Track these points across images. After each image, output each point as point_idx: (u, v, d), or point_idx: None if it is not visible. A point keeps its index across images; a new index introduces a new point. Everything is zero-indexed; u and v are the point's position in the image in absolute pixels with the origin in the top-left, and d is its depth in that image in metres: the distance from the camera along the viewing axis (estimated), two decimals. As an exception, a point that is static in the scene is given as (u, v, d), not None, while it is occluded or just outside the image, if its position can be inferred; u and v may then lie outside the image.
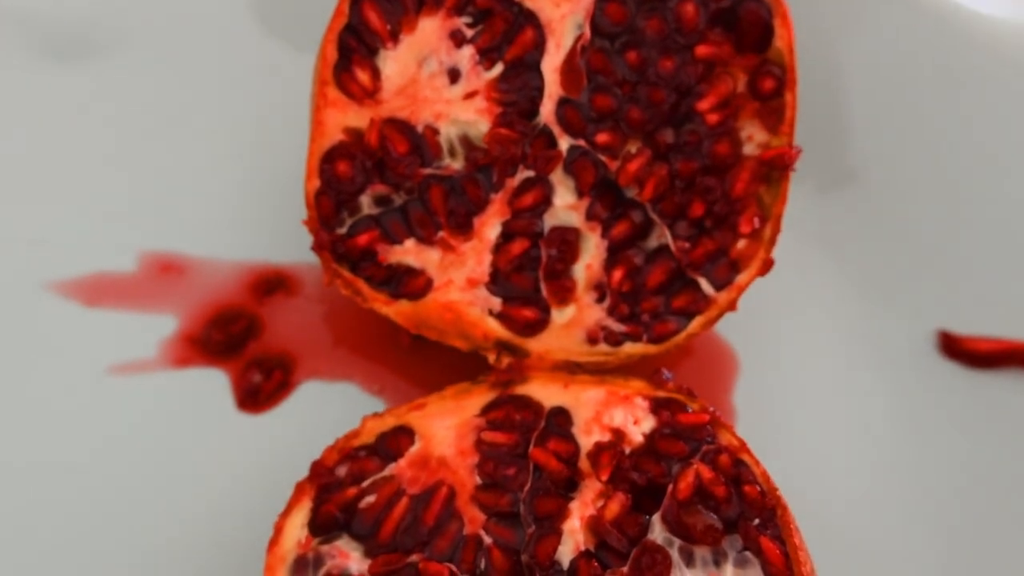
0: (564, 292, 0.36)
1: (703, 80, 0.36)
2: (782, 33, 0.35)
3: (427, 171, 0.37)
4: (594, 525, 0.32)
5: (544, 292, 0.36)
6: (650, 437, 0.33)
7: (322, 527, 0.33)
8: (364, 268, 0.37)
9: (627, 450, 0.33)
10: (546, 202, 0.36)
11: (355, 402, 0.42)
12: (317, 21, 0.39)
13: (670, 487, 0.32)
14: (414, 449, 0.35)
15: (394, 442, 0.35)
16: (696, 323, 0.36)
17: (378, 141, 0.36)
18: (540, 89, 0.37)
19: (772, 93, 0.36)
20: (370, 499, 0.34)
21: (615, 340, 0.36)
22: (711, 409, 0.34)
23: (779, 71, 0.35)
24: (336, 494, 0.34)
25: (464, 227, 0.37)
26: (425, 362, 0.42)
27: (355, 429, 0.35)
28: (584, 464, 0.34)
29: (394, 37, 0.36)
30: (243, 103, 0.48)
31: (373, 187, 0.37)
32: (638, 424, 0.34)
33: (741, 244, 0.36)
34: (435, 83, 0.37)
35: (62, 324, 0.43)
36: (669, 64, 0.36)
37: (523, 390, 0.35)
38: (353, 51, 0.36)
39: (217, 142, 0.47)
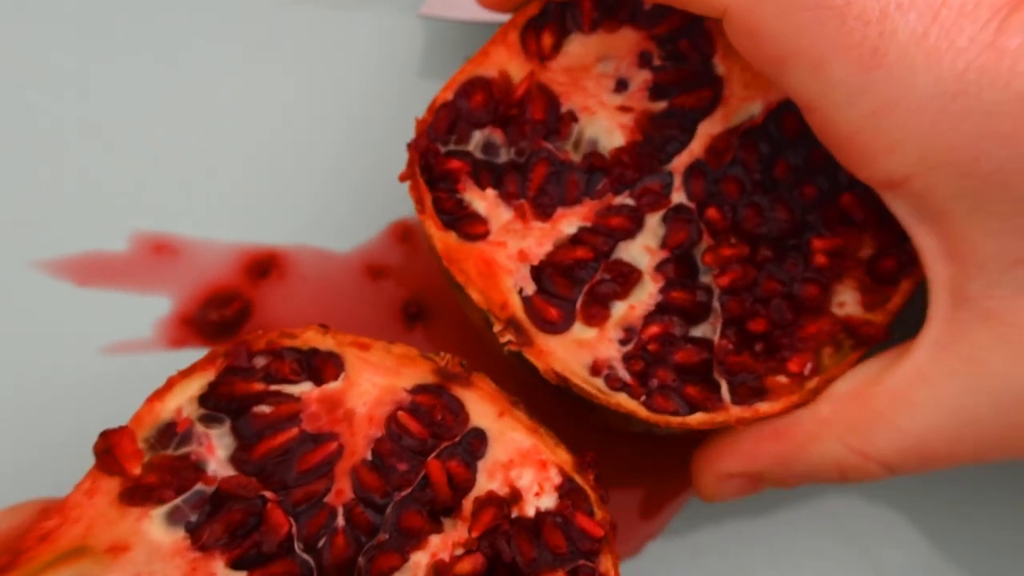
0: (596, 316, 0.35)
1: (832, 223, 0.35)
2: None
3: (546, 145, 0.36)
4: (440, 571, 0.31)
5: (578, 305, 0.35)
6: (541, 516, 0.31)
7: (212, 404, 0.32)
8: (439, 187, 0.36)
9: (513, 515, 0.31)
10: (629, 234, 0.36)
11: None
12: None
13: None
14: (334, 385, 0.33)
15: (322, 364, 0.33)
16: (696, 418, 0.34)
17: (523, 96, 0.36)
18: (686, 142, 0.37)
19: (889, 275, 0.35)
20: (265, 408, 0.32)
21: (614, 384, 0.34)
22: (612, 526, 0.32)
23: (907, 258, 0.34)
24: (241, 381, 0.32)
25: (546, 208, 0.36)
26: (420, 344, 0.43)
27: (293, 329, 0.34)
28: (467, 505, 0.32)
29: (594, 27, 0.37)
30: (235, 81, 0.48)
31: (492, 129, 0.36)
32: (539, 496, 0.32)
33: (781, 379, 0.34)
34: (602, 82, 0.37)
35: (54, 304, 0.43)
36: (811, 192, 0.35)
37: (461, 394, 0.33)
38: (553, 18, 0.37)
39: (210, 122, 0.47)
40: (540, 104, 0.37)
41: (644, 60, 0.37)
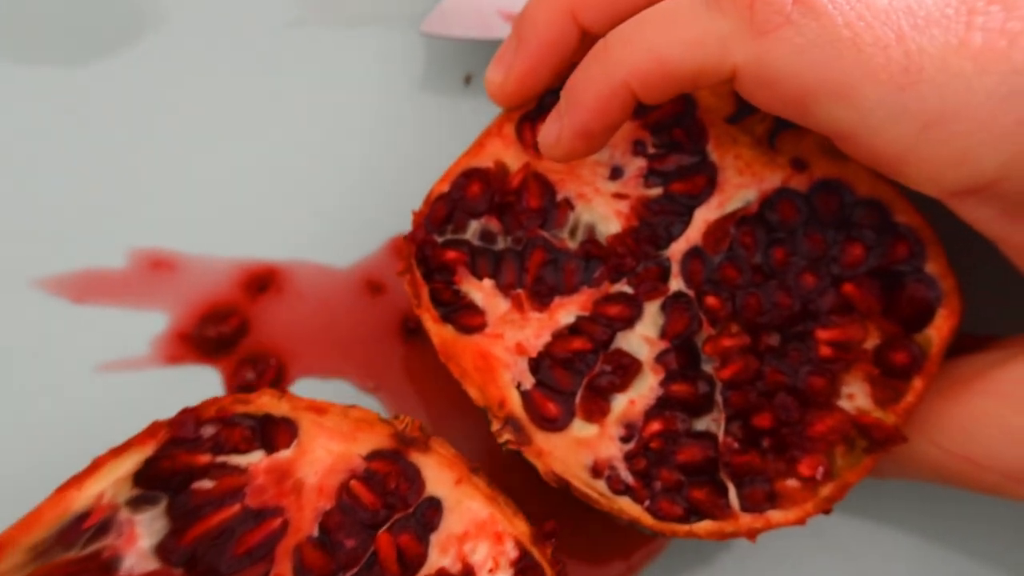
0: (595, 411, 0.34)
1: (835, 312, 0.34)
2: (941, 324, 0.33)
3: (542, 233, 0.36)
4: None
5: (577, 399, 0.34)
6: None
7: (148, 482, 0.30)
8: (435, 280, 0.36)
9: None
10: (628, 323, 0.35)
11: (348, 399, 0.41)
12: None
13: None
14: (285, 453, 0.31)
15: (275, 431, 0.32)
16: (704, 527, 0.32)
17: (519, 185, 0.36)
18: (682, 229, 0.36)
19: (901, 370, 0.33)
20: (207, 483, 0.30)
21: (617, 487, 0.33)
22: None
23: (919, 353, 0.33)
24: (185, 453, 0.30)
25: (543, 298, 0.35)
26: (420, 359, 0.42)
27: (247, 395, 0.32)
28: None
29: None
30: (234, 97, 0.48)
31: (488, 219, 0.36)
32: (493, 573, 0.30)
33: (791, 483, 0.33)
34: (596, 169, 0.37)
35: (50, 321, 0.42)
36: (810, 280, 0.34)
37: (418, 460, 0.32)
38: (548, 110, 0.37)
39: (207, 137, 0.47)
40: (536, 192, 0.36)
41: (638, 148, 0.37)
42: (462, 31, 0.47)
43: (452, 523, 0.31)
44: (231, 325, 0.42)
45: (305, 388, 0.42)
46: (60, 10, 0.49)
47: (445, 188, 0.36)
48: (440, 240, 0.36)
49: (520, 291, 0.36)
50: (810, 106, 0.30)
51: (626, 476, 0.33)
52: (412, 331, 0.43)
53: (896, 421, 0.33)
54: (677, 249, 0.36)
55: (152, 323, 0.43)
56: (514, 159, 0.37)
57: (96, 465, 0.30)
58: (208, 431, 0.31)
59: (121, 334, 0.42)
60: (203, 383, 0.42)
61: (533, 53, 0.35)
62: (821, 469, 0.33)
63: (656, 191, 0.37)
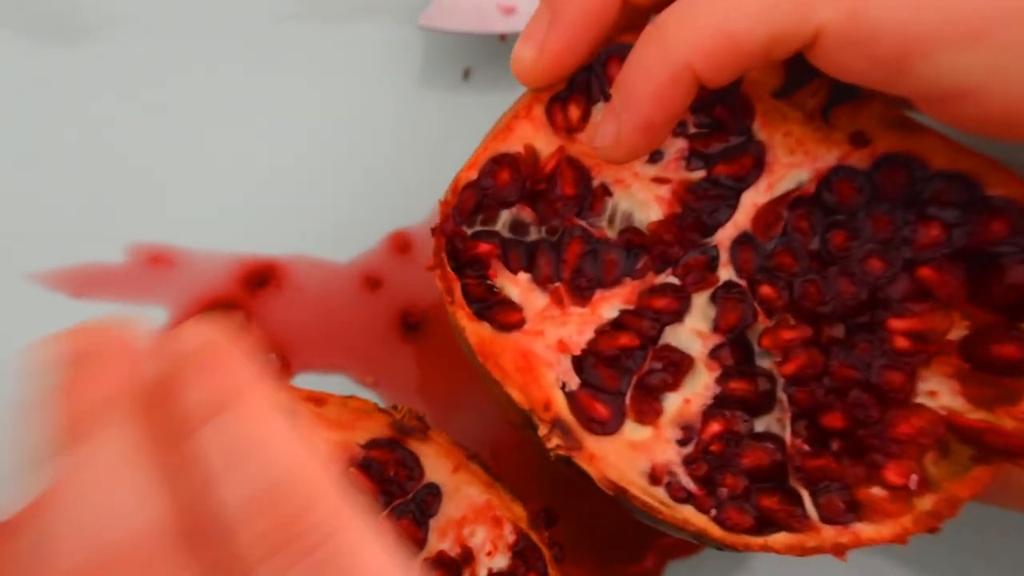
0: (648, 411, 0.31)
1: (910, 299, 0.31)
2: None
3: (579, 222, 0.33)
4: None
5: (627, 399, 0.32)
6: None
7: None
8: (467, 274, 0.33)
9: None
10: (677, 316, 0.32)
11: (349, 394, 0.41)
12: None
13: None
14: None
15: None
16: (781, 540, 0.29)
17: (552, 171, 0.33)
18: (729, 214, 0.33)
19: (1008, 365, 0.29)
20: None
21: (678, 495, 0.30)
22: None
23: None
24: None
25: (583, 292, 0.33)
26: (419, 354, 0.42)
27: None
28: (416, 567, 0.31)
29: None
30: (233, 92, 0.48)
31: (521, 207, 0.33)
32: (491, 556, 0.30)
33: (877, 492, 0.29)
34: None
35: (50, 316, 0.42)
36: (878, 265, 0.31)
37: (416, 448, 0.32)
38: (580, 90, 0.34)
39: (207, 133, 0.47)
40: (570, 178, 0.34)
41: (678, 128, 0.34)
42: (461, 25, 0.47)
43: (450, 508, 0.31)
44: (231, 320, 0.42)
45: (304, 383, 0.42)
46: (61, 3, 0.49)
47: (473, 175, 0.33)
48: (470, 232, 0.33)
49: (558, 284, 0.33)
50: (915, 63, 0.26)
51: (687, 482, 0.30)
52: (411, 326, 0.43)
53: (1018, 427, 0.28)
54: (725, 236, 0.33)
55: (151, 318, 0.43)
56: (545, 143, 0.34)
57: None
58: None
59: (120, 329, 0.42)
60: (203, 378, 0.42)
61: (570, 26, 0.31)
62: (915, 477, 0.29)
63: (699, 174, 0.34)
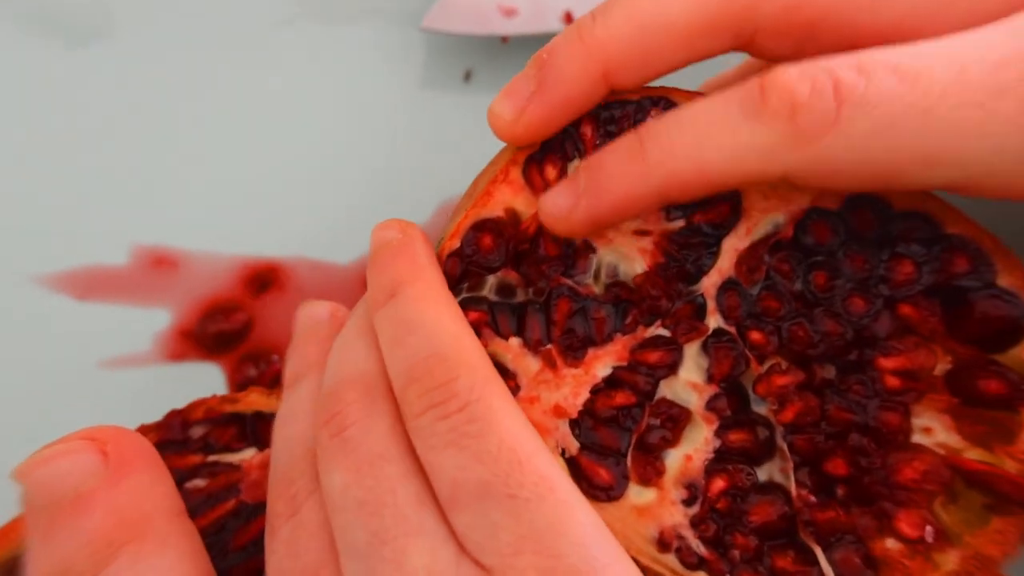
0: (650, 472, 0.31)
1: (893, 336, 0.31)
2: None
3: (566, 281, 0.33)
4: None
5: (629, 461, 0.31)
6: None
7: None
8: None
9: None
10: (670, 369, 0.32)
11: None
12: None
13: None
14: None
15: (267, 428, 0.31)
16: None
17: (534, 233, 0.33)
18: (712, 261, 0.33)
19: (996, 400, 0.29)
20: (199, 482, 0.30)
21: (689, 561, 0.29)
22: None
23: (1017, 377, 0.28)
24: (175, 456, 0.30)
25: (575, 352, 0.32)
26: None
27: (235, 394, 0.32)
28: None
29: (596, 150, 0.34)
30: (235, 94, 0.48)
31: (506, 272, 0.33)
32: None
33: (892, 545, 0.29)
34: None
35: (53, 317, 0.43)
36: (860, 304, 0.31)
37: None
38: (555, 151, 0.34)
39: (210, 135, 0.47)
40: (553, 238, 0.33)
41: None
42: (462, 27, 0.47)
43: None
44: (233, 322, 0.43)
45: (307, 384, 0.42)
46: (62, 6, 0.49)
47: (456, 244, 0.33)
48: (457, 299, 0.33)
49: (550, 347, 0.32)
50: (899, 178, 0.27)
51: (697, 546, 0.29)
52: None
53: (1019, 468, 0.28)
54: (710, 283, 0.33)
55: (155, 320, 0.43)
56: (525, 205, 0.34)
57: None
58: (197, 432, 0.31)
59: (124, 331, 0.42)
60: (205, 380, 0.42)
61: (553, 103, 0.32)
62: (931, 529, 0.28)
63: (678, 223, 0.34)
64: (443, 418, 0.26)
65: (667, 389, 0.32)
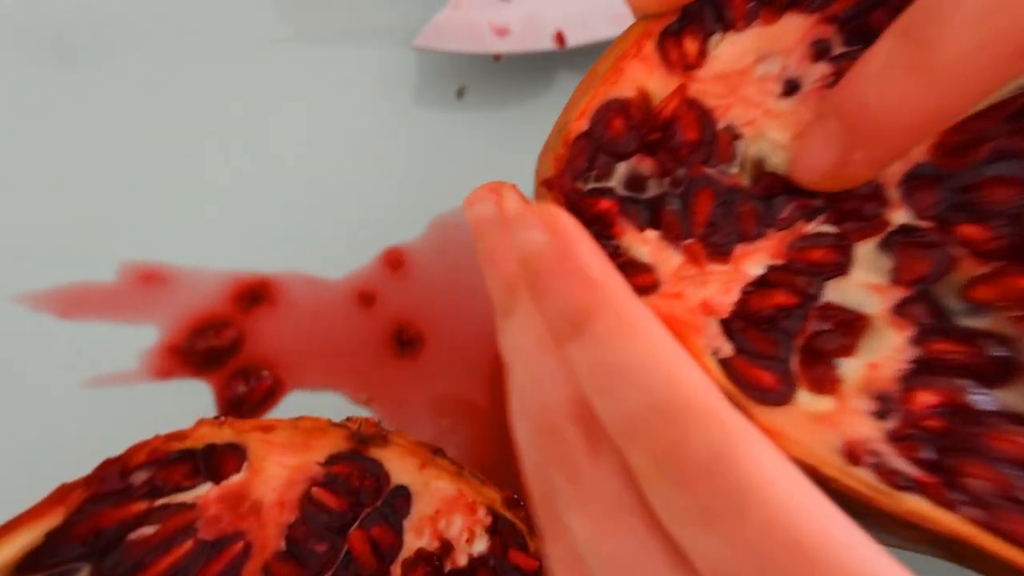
0: (824, 379, 0.27)
1: None
2: None
3: (707, 170, 0.29)
4: None
5: (794, 365, 0.27)
6: (474, 563, 0.29)
7: (53, 559, 0.27)
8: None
9: (447, 568, 0.30)
10: (838, 269, 0.28)
11: (342, 412, 0.41)
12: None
13: None
14: (235, 479, 0.30)
15: (221, 459, 0.30)
16: None
17: (670, 116, 0.29)
18: None
19: None
20: (148, 530, 0.28)
21: (893, 480, 0.24)
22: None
23: None
24: (110, 509, 0.28)
25: (720, 248, 0.28)
26: (414, 371, 0.42)
27: (183, 431, 0.30)
28: (397, 570, 0.30)
29: (748, 21, 0.29)
30: (225, 111, 0.48)
31: (639, 159, 0.29)
32: (470, 542, 0.30)
33: None
34: (765, 86, 0.29)
35: (38, 335, 0.42)
36: None
37: (379, 454, 0.31)
38: (695, 19, 0.29)
39: (199, 151, 0.47)
40: (692, 122, 0.29)
41: (819, 51, 0.29)
42: (455, 46, 0.47)
43: (423, 506, 0.31)
44: (223, 338, 0.42)
45: (297, 401, 0.41)
46: (52, 22, 0.49)
47: (584, 125, 0.29)
48: (585, 189, 0.29)
49: (691, 241, 0.28)
50: None
51: (903, 466, 0.25)
52: (405, 343, 0.43)
53: None
54: (891, 171, 0.27)
55: (142, 337, 0.42)
56: (660, 84, 0.29)
57: None
58: (140, 477, 0.29)
59: (111, 348, 0.42)
60: (194, 398, 0.41)
61: None
62: None
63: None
64: (681, 492, 0.20)
65: (835, 292, 0.27)
